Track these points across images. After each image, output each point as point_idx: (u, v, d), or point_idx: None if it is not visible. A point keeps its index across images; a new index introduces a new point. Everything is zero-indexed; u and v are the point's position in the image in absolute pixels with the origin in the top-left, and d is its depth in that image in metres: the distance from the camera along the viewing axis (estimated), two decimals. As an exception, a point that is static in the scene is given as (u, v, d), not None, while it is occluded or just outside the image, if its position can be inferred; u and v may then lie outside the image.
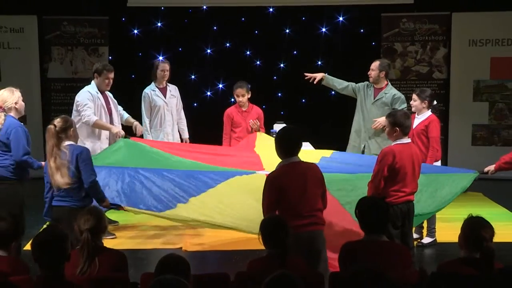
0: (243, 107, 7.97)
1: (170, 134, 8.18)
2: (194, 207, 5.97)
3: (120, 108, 7.85)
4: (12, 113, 5.97)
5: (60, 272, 3.56)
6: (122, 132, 7.28)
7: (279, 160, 4.97)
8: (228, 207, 5.98)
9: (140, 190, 6.10)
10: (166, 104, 8.14)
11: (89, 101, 7.34)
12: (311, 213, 4.81)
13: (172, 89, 8.29)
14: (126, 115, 7.92)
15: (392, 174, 5.33)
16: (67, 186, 5.25)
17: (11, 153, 5.86)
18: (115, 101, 7.76)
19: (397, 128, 5.42)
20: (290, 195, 4.77)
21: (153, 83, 8.19)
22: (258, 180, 5.69)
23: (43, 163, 5.82)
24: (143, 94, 8.17)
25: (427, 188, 5.98)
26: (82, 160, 5.29)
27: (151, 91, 8.13)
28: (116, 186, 6.05)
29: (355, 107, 7.70)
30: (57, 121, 5.33)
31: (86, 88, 7.49)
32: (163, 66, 8.14)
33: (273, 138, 5.17)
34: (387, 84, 7.50)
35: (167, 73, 8.13)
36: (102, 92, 7.52)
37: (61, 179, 5.20)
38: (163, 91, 8.19)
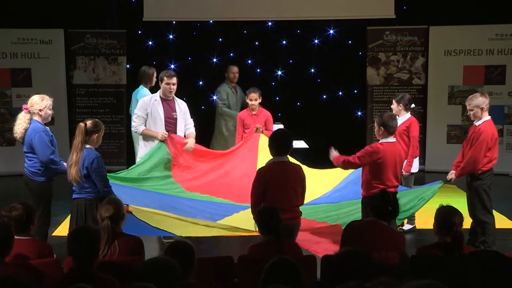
0: (254, 110, 7.79)
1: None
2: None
3: (191, 121, 6.91)
4: (36, 118, 5.72)
5: (91, 264, 3.50)
6: (166, 133, 6.55)
7: None
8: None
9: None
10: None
11: (140, 111, 6.65)
12: (291, 208, 4.85)
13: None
14: (190, 130, 6.87)
15: (375, 168, 5.32)
16: (76, 183, 5.19)
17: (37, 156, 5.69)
18: (184, 110, 6.77)
19: (382, 128, 5.41)
20: (274, 189, 4.80)
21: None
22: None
23: (65, 164, 5.61)
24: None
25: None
26: (93, 170, 5.14)
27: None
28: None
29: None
30: (89, 122, 5.24)
31: (151, 95, 6.86)
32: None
33: None
34: None
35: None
36: (166, 100, 6.68)
37: (74, 173, 5.13)
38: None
